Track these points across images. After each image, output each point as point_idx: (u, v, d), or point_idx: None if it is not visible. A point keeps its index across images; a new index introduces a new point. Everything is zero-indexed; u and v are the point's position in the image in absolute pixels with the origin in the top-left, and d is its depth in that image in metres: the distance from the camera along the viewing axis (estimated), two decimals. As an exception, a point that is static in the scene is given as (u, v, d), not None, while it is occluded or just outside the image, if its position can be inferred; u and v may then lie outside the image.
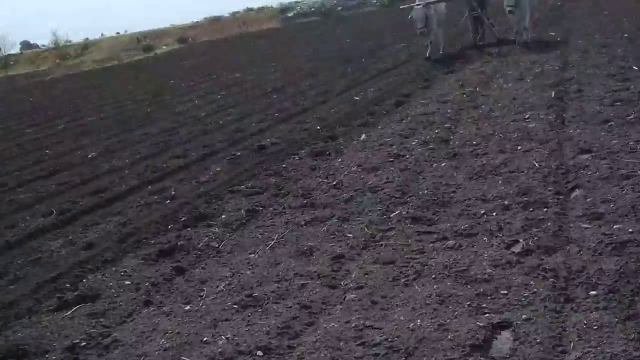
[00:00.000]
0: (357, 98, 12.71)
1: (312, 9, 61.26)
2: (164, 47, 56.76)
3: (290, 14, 63.66)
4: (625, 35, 14.39)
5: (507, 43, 16.31)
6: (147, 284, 5.15)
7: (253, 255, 5.42)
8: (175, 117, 14.33)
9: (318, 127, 10.37)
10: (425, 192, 6.26)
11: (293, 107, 13.02)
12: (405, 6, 18.20)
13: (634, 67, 10.46)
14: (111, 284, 5.28)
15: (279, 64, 23.10)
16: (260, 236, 5.86)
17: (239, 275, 5.01)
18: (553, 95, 9.49)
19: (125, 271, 5.51)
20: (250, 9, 73.53)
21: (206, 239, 5.98)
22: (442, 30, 17.46)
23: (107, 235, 6.55)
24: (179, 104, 16.54)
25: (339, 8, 60.44)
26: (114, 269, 5.63)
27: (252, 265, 5.19)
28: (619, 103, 8.35)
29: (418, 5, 15.92)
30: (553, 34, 17.26)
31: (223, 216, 6.60)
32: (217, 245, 5.79)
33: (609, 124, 7.45)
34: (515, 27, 16.21)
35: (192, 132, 11.87)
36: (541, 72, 11.67)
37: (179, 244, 5.92)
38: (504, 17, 18.32)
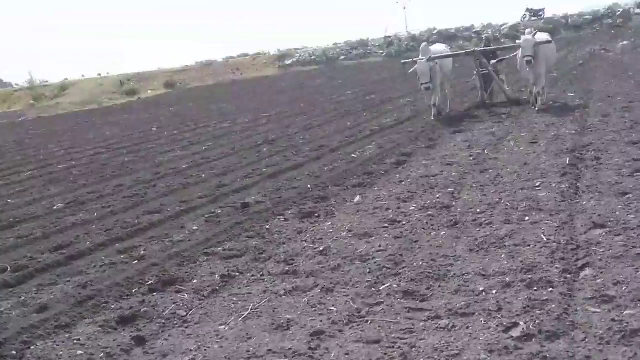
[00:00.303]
0: (355, 155, 12.79)
1: (313, 57, 62.15)
2: (149, 91, 57.39)
3: (288, 62, 64.58)
4: (650, 99, 14.59)
5: (519, 103, 16.55)
6: (102, 354, 5.08)
7: (223, 326, 5.36)
8: (154, 168, 14.38)
9: (309, 186, 10.40)
10: (420, 263, 6.23)
11: (284, 162, 13.09)
12: (406, 61, 18.02)
13: (658, 135, 10.56)
14: (62, 353, 5.20)
15: (272, 115, 23.33)
16: (233, 305, 5.81)
17: (205, 350, 4.94)
18: (568, 162, 9.55)
19: (79, 339, 5.43)
20: (246, 55, 74.59)
21: (173, 306, 5.92)
22: (448, 86, 17.88)
23: (63, 298, 6.47)
24: (159, 154, 16.64)
25: (342, 57, 61.38)
26: (67, 335, 5.56)
27: (221, 338, 5.13)
28: (639, 174, 8.40)
29: (422, 59, 16.08)
30: (572, 94, 17.50)
31: (195, 281, 6.56)
32: (184, 314, 5.73)
33: (627, 196, 7.47)
34: (531, 82, 16.08)
35: (171, 186, 11.89)
36: (556, 136, 11.78)
37: (142, 310, 5.87)
38: (515, 76, 18.80)
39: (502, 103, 17.25)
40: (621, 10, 59.88)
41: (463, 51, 19.61)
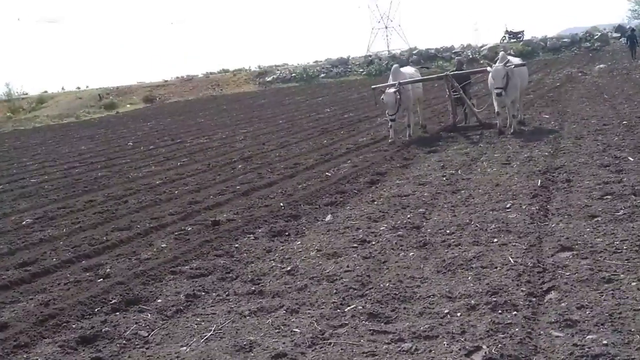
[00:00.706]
0: (329, 174, 12.77)
1: (293, 75, 62.29)
2: (127, 105, 57.16)
3: (268, 78, 64.68)
4: (624, 122, 14.71)
5: (491, 127, 16.23)
6: (59, 376, 4.97)
7: (184, 348, 5.28)
8: (127, 184, 14.28)
9: (281, 204, 10.35)
10: (387, 284, 6.19)
11: (258, 179, 13.04)
12: (377, 86, 17.91)
13: (629, 158, 10.63)
14: (18, 373, 5.09)
15: (249, 132, 23.30)
16: (196, 326, 5.73)
17: (164, 371, 4.86)
18: (539, 183, 9.58)
19: (38, 359, 5.32)
20: (226, 71, 74.65)
21: (135, 326, 5.83)
22: (418, 109, 17.91)
23: (25, 316, 6.36)
24: (133, 169, 16.54)
25: (322, 75, 61.58)
26: (25, 355, 5.46)
27: (181, 359, 5.04)
28: (609, 197, 8.44)
29: (393, 84, 15.99)
30: (547, 116, 17.62)
31: (159, 300, 6.47)
32: (145, 334, 5.65)
33: (596, 219, 7.50)
34: (501, 111, 15.77)
35: (142, 202, 11.80)
36: (529, 157, 11.83)
37: (103, 330, 5.77)
38: (488, 98, 18.25)
39: (473, 127, 17.03)
40: (599, 34, 60.76)
41: (435, 75, 19.22)
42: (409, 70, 18.52)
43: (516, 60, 16.48)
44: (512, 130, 15.13)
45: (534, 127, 15.83)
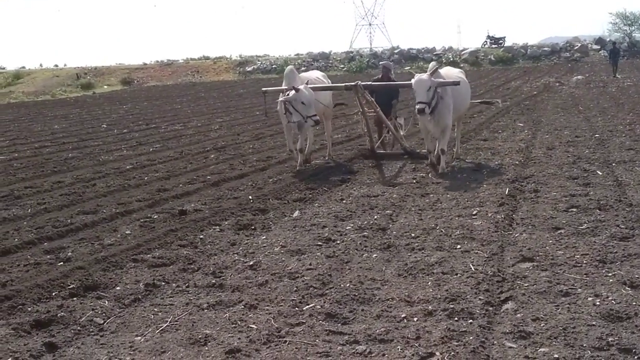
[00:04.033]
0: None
1: (274, 66, 62.11)
2: (105, 86, 56.65)
3: (249, 68, 64.46)
4: (596, 135, 14.88)
5: (420, 158, 13.09)
6: (10, 359, 4.90)
7: (139, 338, 5.24)
8: (97, 166, 14.14)
9: (250, 197, 10.32)
10: (348, 285, 6.20)
11: (229, 170, 12.99)
12: (268, 89, 14.03)
13: (598, 172, 10.75)
14: (-32, 355, 5.02)
15: (225, 121, 23.20)
16: (152, 316, 5.69)
17: (116, 361, 4.82)
18: (507, 192, 9.65)
19: (-11, 341, 5.25)
20: (207, 57, 74.26)
21: (91, 312, 5.78)
22: (329, 125, 14.21)
23: (-20, 296, 6.28)
24: (105, 152, 16.37)
25: (302, 68, 61.41)
26: (-23, 337, 5.37)
27: (134, 350, 5.01)
28: (574, 209, 8.52)
29: (289, 89, 12.18)
30: (522, 124, 17.75)
31: (118, 288, 6.42)
32: (101, 322, 5.59)
33: (559, 231, 7.58)
34: (430, 145, 12.32)
35: (110, 186, 11.69)
36: (500, 165, 11.92)
37: (58, 315, 5.71)
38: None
39: (396, 155, 13.75)
40: (579, 45, 61.34)
41: (342, 84, 13.90)
42: (313, 75, 14.29)
43: (454, 73, 12.81)
44: (439, 170, 11.50)
45: (507, 134, 15.89)
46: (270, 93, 13.85)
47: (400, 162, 13.07)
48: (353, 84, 13.00)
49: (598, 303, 5.44)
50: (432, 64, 12.14)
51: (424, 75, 11.34)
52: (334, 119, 18.12)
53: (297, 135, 12.75)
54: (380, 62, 16.83)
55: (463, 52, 62.69)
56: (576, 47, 60.74)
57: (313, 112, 11.94)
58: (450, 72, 12.63)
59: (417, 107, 11.07)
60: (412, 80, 11.40)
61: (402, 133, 14.09)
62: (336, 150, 14.84)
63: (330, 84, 14.22)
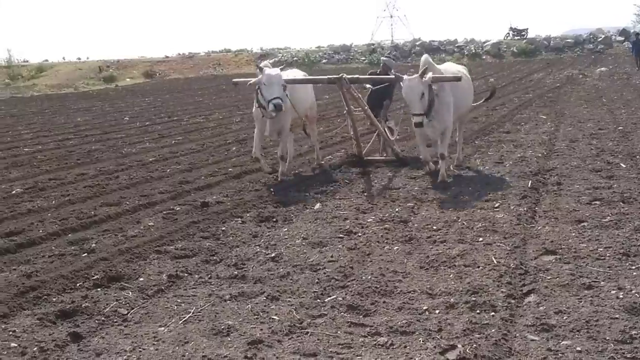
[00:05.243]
0: (323, 162, 12.74)
1: (295, 59, 62.06)
2: (127, 79, 56.89)
3: (270, 61, 64.40)
4: (620, 127, 14.74)
5: (414, 165, 11.78)
6: (36, 349, 4.97)
7: (162, 328, 5.29)
8: (120, 159, 14.24)
9: (271, 189, 10.35)
10: (369, 277, 6.21)
11: (250, 163, 13.00)
12: (238, 81, 12.47)
13: (622, 165, 10.66)
14: (-5, 344, 5.10)
15: (247, 113, 23.19)
16: (176, 307, 5.74)
17: (140, 351, 4.87)
18: (530, 185, 9.60)
19: (15, 331, 5.33)
20: (228, 50, 74.38)
21: (115, 303, 5.84)
22: (312, 131, 12.66)
23: (6, 287, 6.34)
24: (127, 145, 16.48)
25: (324, 61, 61.44)
26: (3, 326, 5.44)
27: (158, 340, 5.06)
28: (597, 202, 8.46)
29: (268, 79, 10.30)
30: (544, 117, 17.62)
31: (141, 279, 6.48)
32: (125, 312, 5.65)
33: (582, 224, 7.53)
34: (427, 155, 11.01)
35: (133, 179, 11.78)
36: (522, 157, 11.84)
37: (83, 305, 5.78)
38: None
39: (388, 161, 12.34)
40: (603, 36, 60.67)
41: (326, 77, 12.58)
42: (289, 72, 12.04)
43: (453, 68, 11.44)
44: (439, 179, 10.21)
45: (530, 126, 15.80)
46: (241, 84, 12.10)
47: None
48: (337, 76, 11.30)
49: (621, 296, 5.41)
50: (423, 59, 10.21)
51: (414, 81, 9.73)
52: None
53: (277, 140, 11.45)
54: (382, 57, 14.77)
55: (485, 44, 62.27)
56: (600, 39, 60.09)
57: (276, 94, 10.16)
58: (450, 69, 11.19)
59: (414, 120, 9.69)
60: (402, 88, 9.94)
61: (393, 137, 12.59)
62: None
63: (311, 77, 13.01)
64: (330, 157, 13.35)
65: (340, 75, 11.33)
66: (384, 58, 13.78)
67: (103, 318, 5.55)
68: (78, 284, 6.38)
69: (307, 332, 5.09)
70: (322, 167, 12.25)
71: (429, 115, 9.84)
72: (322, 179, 11.06)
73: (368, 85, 12.42)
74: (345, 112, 12.38)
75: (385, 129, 12.35)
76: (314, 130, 12.81)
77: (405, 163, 11.96)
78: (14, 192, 11.06)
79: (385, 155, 12.77)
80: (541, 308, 5.28)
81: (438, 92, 9.94)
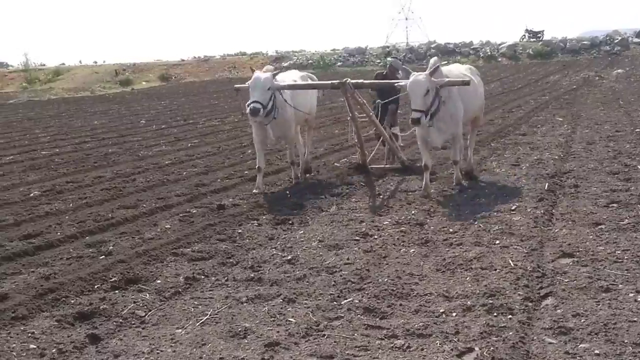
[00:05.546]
0: (338, 164, 12.76)
1: (310, 61, 62.10)
2: (143, 83, 57.17)
3: (285, 64, 64.44)
4: (637, 129, 14.66)
5: (420, 173, 10.35)
6: (54, 350, 5.01)
7: (180, 330, 5.32)
8: (137, 162, 14.32)
9: (287, 192, 10.37)
10: (386, 280, 6.21)
11: (266, 165, 13.01)
12: (240, 86, 11.55)
13: (639, 167, 10.60)
14: (14, 345, 5.14)
15: (262, 117, 23.25)
16: (193, 309, 5.76)
17: (158, 353, 4.90)
18: (546, 187, 9.56)
19: (34, 332, 5.37)
20: (243, 53, 74.58)
21: (133, 305, 5.88)
22: (308, 138, 12.42)
23: (25, 288, 6.40)
24: (144, 147, 16.56)
25: (339, 64, 61.41)
26: (22, 328, 5.49)
27: (175, 342, 5.09)
28: (615, 205, 8.43)
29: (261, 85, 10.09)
30: (561, 119, 17.55)
31: (158, 281, 6.51)
32: (142, 314, 5.68)
33: (599, 227, 7.50)
34: (429, 161, 9.92)
35: (150, 181, 11.83)
36: (539, 160, 11.80)
37: (101, 307, 5.81)
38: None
39: (393, 170, 11.93)
40: (619, 38, 60.24)
41: (329, 82, 11.48)
42: (290, 75, 11.76)
43: (461, 70, 10.91)
44: (454, 182, 10.19)
45: (546, 128, 15.73)
46: (243, 90, 11.18)
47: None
48: (341, 81, 10.82)
49: (639, 299, 5.38)
50: (432, 60, 9.83)
51: (421, 76, 9.28)
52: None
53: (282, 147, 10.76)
54: (388, 59, 13.95)
55: (501, 46, 62.03)
56: (616, 40, 59.65)
57: (255, 98, 9.91)
58: (455, 71, 10.62)
59: (412, 116, 9.14)
60: (409, 80, 9.38)
61: (398, 144, 12.25)
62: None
63: (313, 82, 11.99)
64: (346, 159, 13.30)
65: (345, 80, 10.89)
66: (390, 59, 13.63)
67: (121, 320, 5.58)
68: (96, 286, 6.42)
69: (324, 335, 5.10)
70: (305, 179, 11.51)
71: (433, 122, 9.34)
72: (338, 182, 11.05)
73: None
74: (349, 118, 11.88)
75: (391, 135, 12.00)
76: (310, 138, 12.61)
77: (411, 171, 11.54)
78: (32, 194, 11.14)
79: (390, 162, 12.34)
80: (559, 311, 5.25)
81: (446, 99, 9.44)
